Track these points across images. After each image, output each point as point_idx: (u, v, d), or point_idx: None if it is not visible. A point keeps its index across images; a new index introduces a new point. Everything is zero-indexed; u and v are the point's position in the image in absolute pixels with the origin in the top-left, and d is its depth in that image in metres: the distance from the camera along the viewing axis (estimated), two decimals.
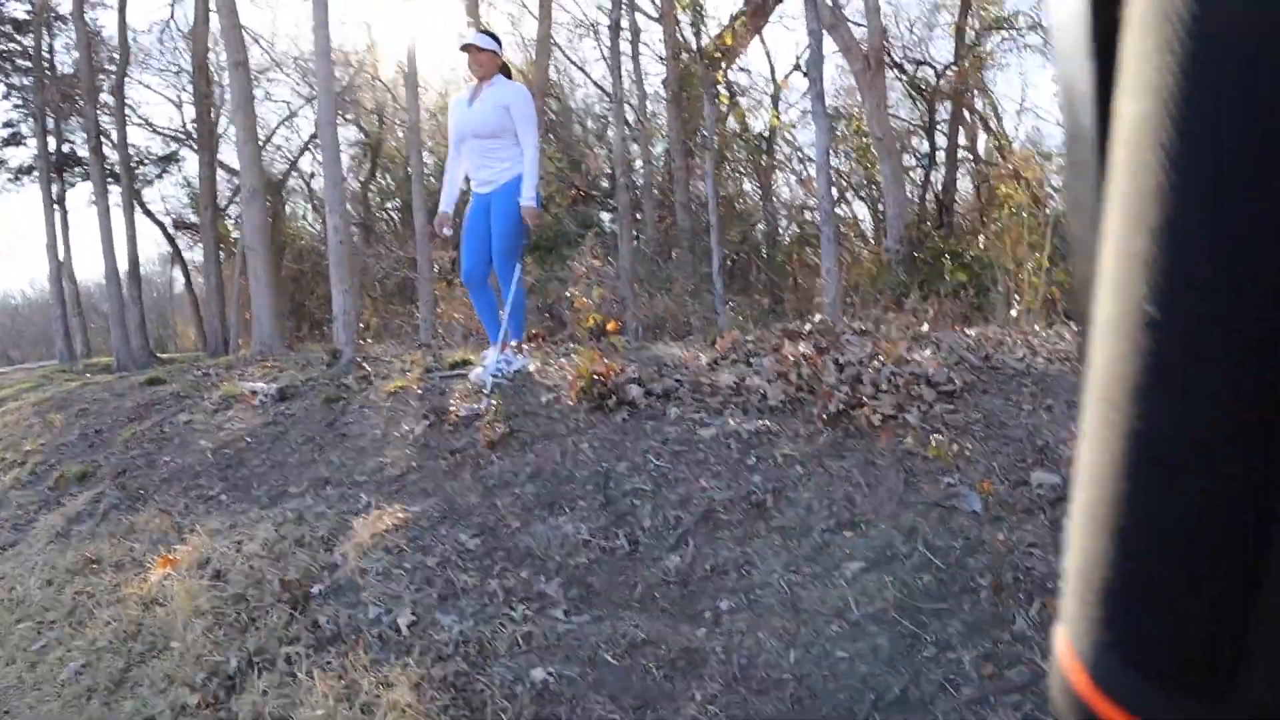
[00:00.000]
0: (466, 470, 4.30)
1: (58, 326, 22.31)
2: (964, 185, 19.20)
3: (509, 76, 5.53)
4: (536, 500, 3.87)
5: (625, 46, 15.85)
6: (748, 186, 19.92)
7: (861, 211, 21.39)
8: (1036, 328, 5.34)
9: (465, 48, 5.39)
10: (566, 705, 2.73)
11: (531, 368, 5.48)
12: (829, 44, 12.50)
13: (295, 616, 3.56)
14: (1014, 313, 6.22)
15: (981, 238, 10.98)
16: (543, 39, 17.42)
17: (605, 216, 14.88)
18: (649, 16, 18.77)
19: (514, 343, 5.51)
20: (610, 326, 5.89)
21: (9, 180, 25.69)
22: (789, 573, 3.10)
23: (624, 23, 14.38)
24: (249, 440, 5.72)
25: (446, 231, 5.97)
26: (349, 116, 25.75)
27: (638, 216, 15.11)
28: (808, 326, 4.94)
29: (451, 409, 4.93)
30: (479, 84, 5.41)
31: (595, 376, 4.48)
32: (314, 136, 23.29)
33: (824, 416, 3.85)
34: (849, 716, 2.47)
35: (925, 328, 5.25)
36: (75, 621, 4.34)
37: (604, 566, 3.37)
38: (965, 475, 3.33)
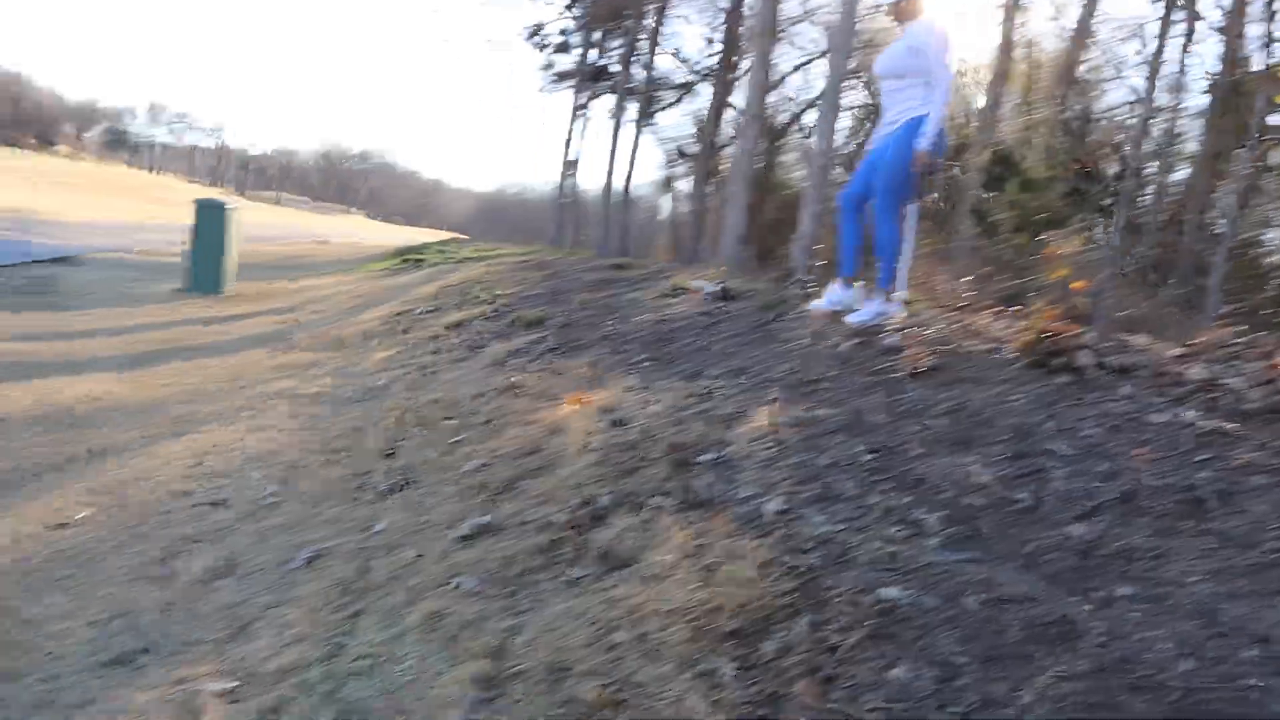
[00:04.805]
0: (881, 391, 4.08)
1: (554, 214, 24.53)
2: None
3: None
4: (945, 435, 3.58)
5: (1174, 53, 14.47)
6: (1271, 236, 17.55)
7: None
8: None
9: None
10: (912, 631, 2.47)
11: (900, 316, 5.21)
12: None
13: (674, 475, 3.56)
14: None
15: None
16: (1081, 26, 16.30)
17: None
18: (1211, 26, 16.97)
19: (885, 289, 5.34)
20: (1078, 284, 5.35)
21: (552, 82, 28.49)
22: (1213, 580, 2.60)
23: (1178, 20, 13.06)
24: (683, 324, 5.87)
25: None
26: (864, 78, 25.74)
27: (1141, 220, 13.77)
28: None
29: (885, 332, 4.73)
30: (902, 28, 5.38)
31: (1045, 332, 4.05)
32: (821, 94, 23.54)
33: None
34: None
35: None
36: (489, 430, 4.67)
37: (997, 514, 3.04)
38: None
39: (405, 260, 17.25)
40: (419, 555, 3.41)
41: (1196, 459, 3.22)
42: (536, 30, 28.12)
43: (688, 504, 3.35)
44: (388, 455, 4.73)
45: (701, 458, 3.68)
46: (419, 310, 8.84)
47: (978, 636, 2.46)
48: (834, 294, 5.51)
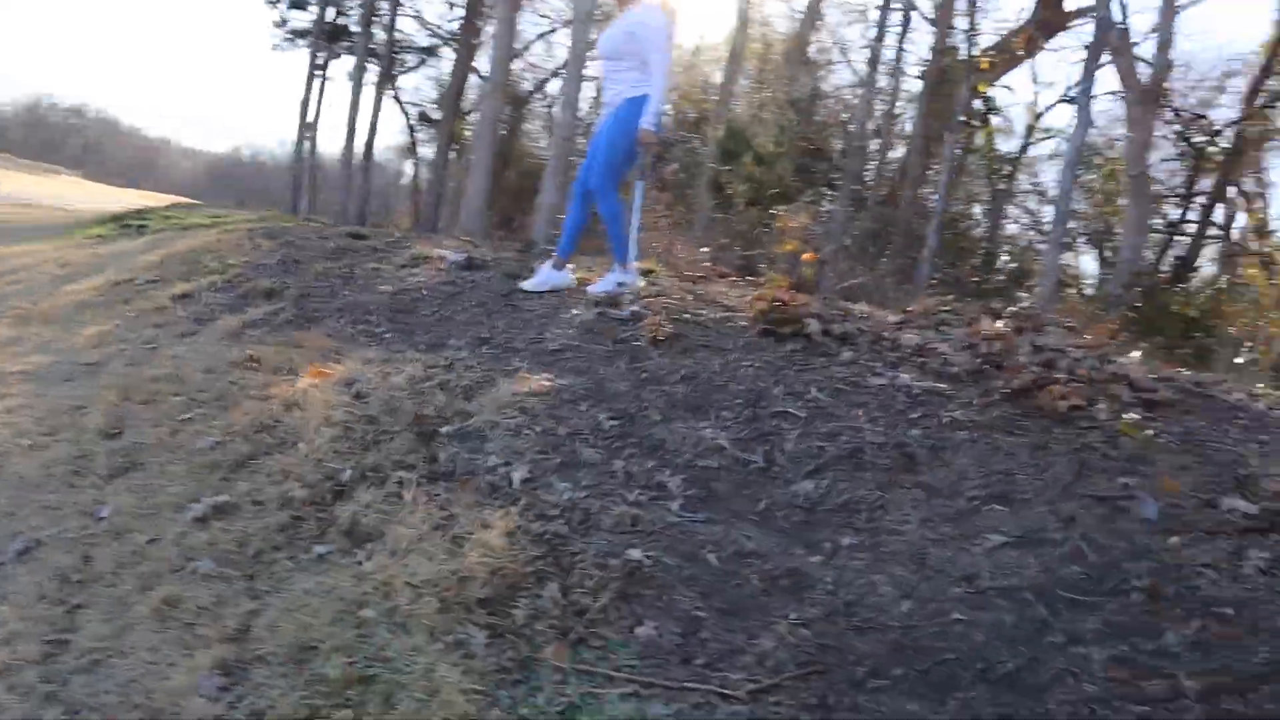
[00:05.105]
0: (623, 360, 4.20)
1: (291, 179, 23.47)
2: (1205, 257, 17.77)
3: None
4: (684, 401, 3.74)
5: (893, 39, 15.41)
6: (977, 211, 19.12)
7: (1086, 263, 20.12)
8: (1260, 386, 4.74)
9: None
10: (655, 590, 2.59)
11: (638, 286, 5.41)
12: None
13: (417, 447, 3.54)
14: (1239, 359, 5.62)
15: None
16: (811, 9, 17.13)
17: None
18: (924, 17, 18.23)
19: (620, 262, 5.52)
20: (807, 256, 5.68)
21: (285, 39, 27.12)
22: (924, 527, 2.87)
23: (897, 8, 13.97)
24: (425, 294, 5.80)
25: None
26: None
27: (863, 195, 14.66)
28: (1011, 309, 4.62)
29: (624, 302, 4.86)
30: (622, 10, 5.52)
31: (776, 301, 4.30)
32: (565, 64, 23.58)
33: (1006, 390, 3.56)
34: (949, 678, 2.24)
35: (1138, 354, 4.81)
36: (222, 406, 4.46)
37: (732, 475, 3.22)
38: (1147, 482, 3.00)
39: (125, 226, 16.04)
40: (149, 540, 3.23)
41: (910, 417, 3.52)
42: None
43: (433, 475, 3.34)
44: (111, 436, 4.44)
45: (446, 428, 3.67)
46: (140, 280, 8.24)
47: (718, 591, 2.61)
48: (543, 274, 5.63)
